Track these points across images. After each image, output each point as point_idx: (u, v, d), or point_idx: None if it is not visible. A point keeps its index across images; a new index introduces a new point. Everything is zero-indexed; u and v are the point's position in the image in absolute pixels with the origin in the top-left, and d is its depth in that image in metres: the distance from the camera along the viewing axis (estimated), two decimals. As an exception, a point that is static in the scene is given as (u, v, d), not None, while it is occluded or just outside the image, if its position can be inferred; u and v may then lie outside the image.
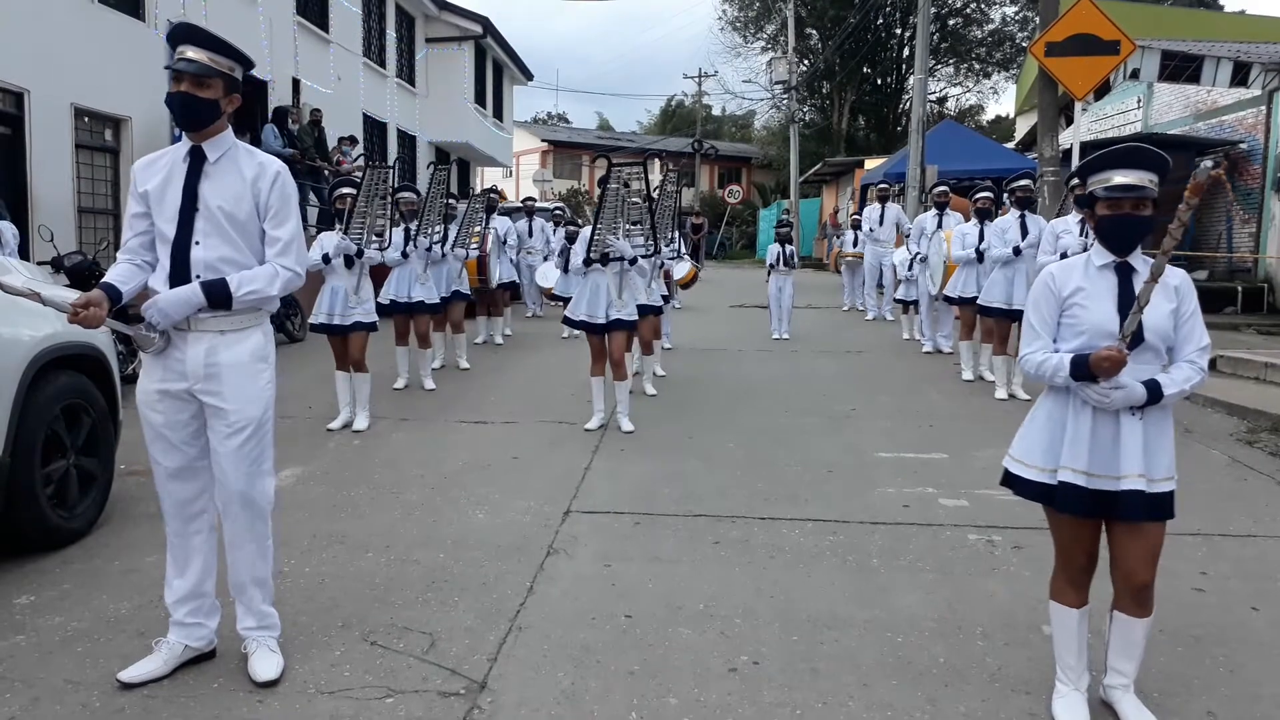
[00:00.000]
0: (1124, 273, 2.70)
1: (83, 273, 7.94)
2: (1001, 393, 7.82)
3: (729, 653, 3.24)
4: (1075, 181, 6.58)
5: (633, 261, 6.58)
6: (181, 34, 2.95)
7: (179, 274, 2.91)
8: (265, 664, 3.00)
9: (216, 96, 2.93)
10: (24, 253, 8.33)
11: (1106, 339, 2.63)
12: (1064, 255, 6.16)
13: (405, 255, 7.81)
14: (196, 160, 2.95)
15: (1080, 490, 2.67)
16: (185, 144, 2.98)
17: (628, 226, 6.64)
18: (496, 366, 9.51)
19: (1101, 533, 2.79)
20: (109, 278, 2.95)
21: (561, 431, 6.58)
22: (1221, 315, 12.93)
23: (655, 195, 8.40)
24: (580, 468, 5.63)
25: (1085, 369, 2.62)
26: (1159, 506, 2.66)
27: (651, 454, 5.98)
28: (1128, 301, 2.64)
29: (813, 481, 5.39)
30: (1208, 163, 2.64)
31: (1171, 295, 2.69)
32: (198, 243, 2.92)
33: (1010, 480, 2.86)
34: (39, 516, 4.04)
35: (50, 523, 4.10)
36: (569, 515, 4.74)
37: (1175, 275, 2.72)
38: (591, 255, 6.45)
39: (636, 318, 6.80)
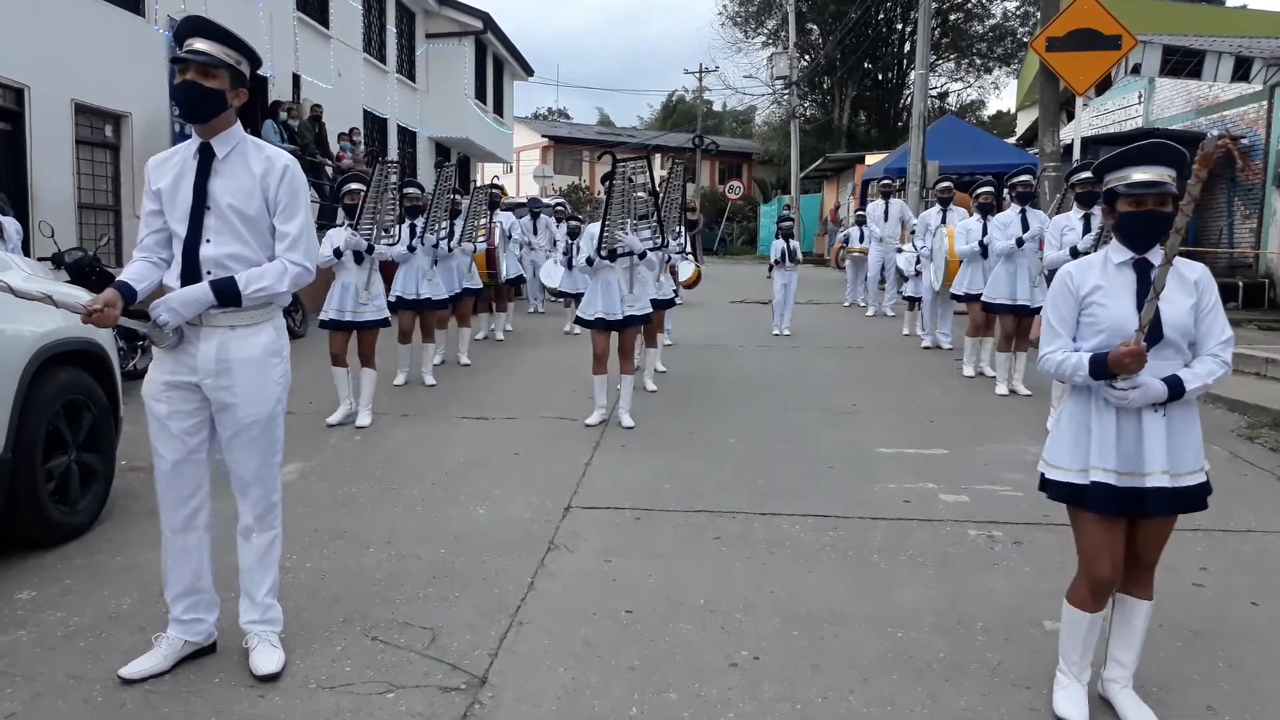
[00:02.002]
0: (1142, 270, 2.68)
1: (83, 269, 7.94)
2: (1002, 388, 7.82)
3: (729, 648, 3.25)
4: (1078, 177, 6.61)
5: (641, 256, 6.58)
6: (190, 27, 2.94)
7: (189, 271, 2.92)
8: (266, 658, 3.01)
9: (222, 88, 2.93)
10: (25, 249, 8.33)
11: (1125, 336, 2.61)
12: (1073, 251, 6.15)
13: (411, 249, 7.80)
14: (205, 157, 2.95)
15: (1111, 489, 2.64)
16: (195, 141, 2.98)
17: (634, 221, 6.64)
18: (497, 362, 9.52)
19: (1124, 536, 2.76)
20: (124, 276, 2.96)
21: (562, 427, 6.59)
22: (1222, 311, 12.91)
23: (661, 189, 8.40)
24: (581, 463, 5.64)
25: (1104, 367, 2.61)
26: (1186, 500, 2.65)
27: (652, 449, 5.99)
28: (1145, 303, 2.62)
29: (813, 477, 5.39)
30: (1214, 132, 2.64)
31: (1191, 290, 2.67)
32: (208, 240, 2.92)
33: (1045, 484, 2.83)
34: (40, 512, 4.04)
35: (51, 518, 4.11)
36: (570, 511, 4.74)
37: (1194, 270, 2.70)
38: (601, 253, 6.45)
39: (650, 311, 6.81)
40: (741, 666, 3.12)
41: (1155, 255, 2.70)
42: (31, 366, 3.98)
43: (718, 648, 3.25)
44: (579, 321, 6.85)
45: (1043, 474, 2.83)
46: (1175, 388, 2.59)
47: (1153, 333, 2.59)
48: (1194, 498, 2.67)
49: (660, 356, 8.73)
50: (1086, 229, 6.35)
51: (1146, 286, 2.64)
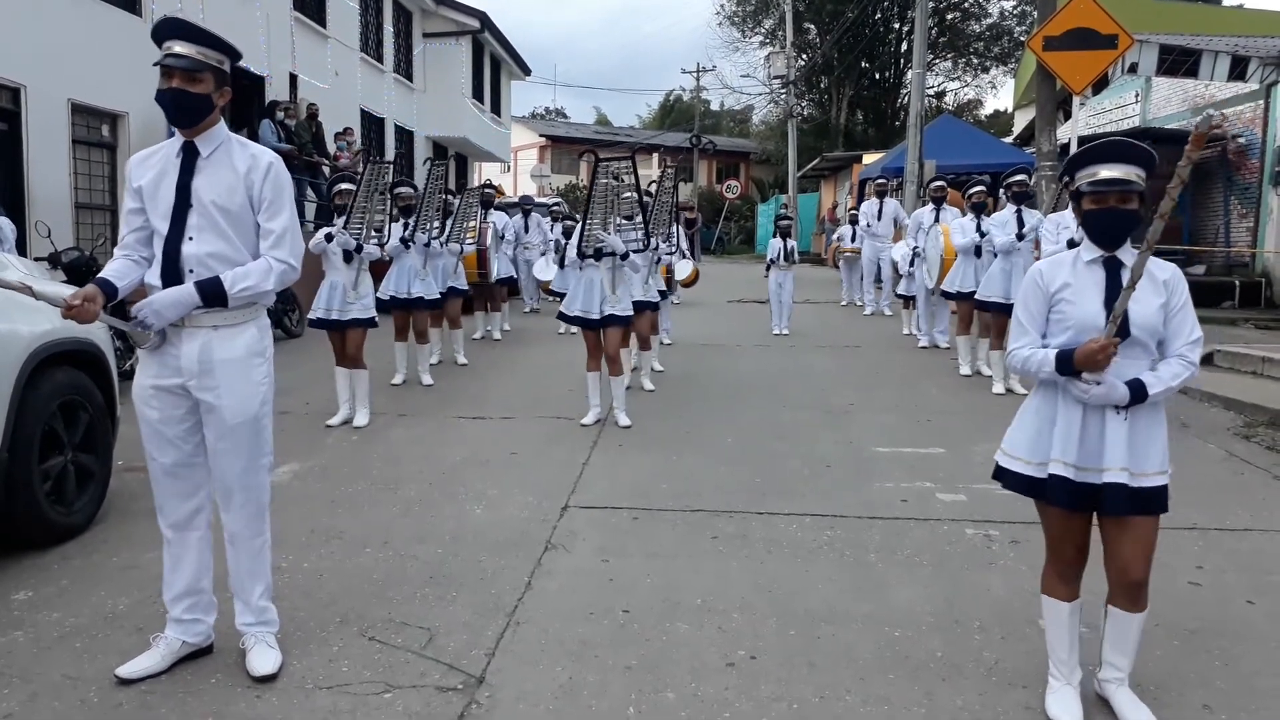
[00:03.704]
0: (1112, 267, 2.70)
1: (80, 269, 7.93)
2: (999, 387, 7.83)
3: (726, 647, 3.25)
4: (1066, 179, 6.62)
5: (624, 256, 6.57)
6: (168, 29, 2.92)
7: (170, 270, 2.90)
8: (263, 659, 3.00)
9: (208, 91, 2.92)
10: (21, 249, 8.32)
11: (1093, 334, 2.62)
12: (1070, 243, 6.16)
13: (405, 244, 7.79)
14: (189, 156, 2.93)
15: (1068, 483, 2.66)
16: (178, 139, 2.96)
17: (620, 221, 6.63)
18: (494, 362, 9.51)
19: (1093, 527, 2.79)
20: (105, 273, 2.93)
21: (559, 427, 6.58)
22: (1219, 310, 12.94)
23: (653, 190, 8.38)
24: (578, 463, 5.64)
25: (1070, 363, 2.62)
26: (1145, 501, 2.64)
27: (649, 449, 5.99)
28: (1115, 296, 2.62)
29: (810, 476, 5.39)
30: (1209, 111, 2.64)
31: (1160, 290, 2.67)
32: (190, 238, 2.90)
33: (1000, 473, 2.86)
34: (37, 512, 4.04)
35: (48, 519, 4.10)
36: (567, 510, 4.74)
37: (1165, 269, 2.71)
38: (584, 250, 6.45)
39: (631, 313, 6.78)
40: (739, 666, 3.12)
41: (1125, 253, 2.71)
42: (28, 367, 3.98)
43: (715, 647, 3.25)
44: (560, 316, 6.87)
45: (997, 462, 2.85)
46: (1138, 392, 2.60)
47: (1120, 331, 2.59)
48: (1154, 499, 2.66)
49: (658, 356, 8.73)
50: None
51: (1116, 284, 2.65)
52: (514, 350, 10.42)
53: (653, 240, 7.51)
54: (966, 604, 3.62)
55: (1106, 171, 2.65)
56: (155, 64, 2.90)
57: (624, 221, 6.68)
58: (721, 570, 3.96)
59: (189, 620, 3.07)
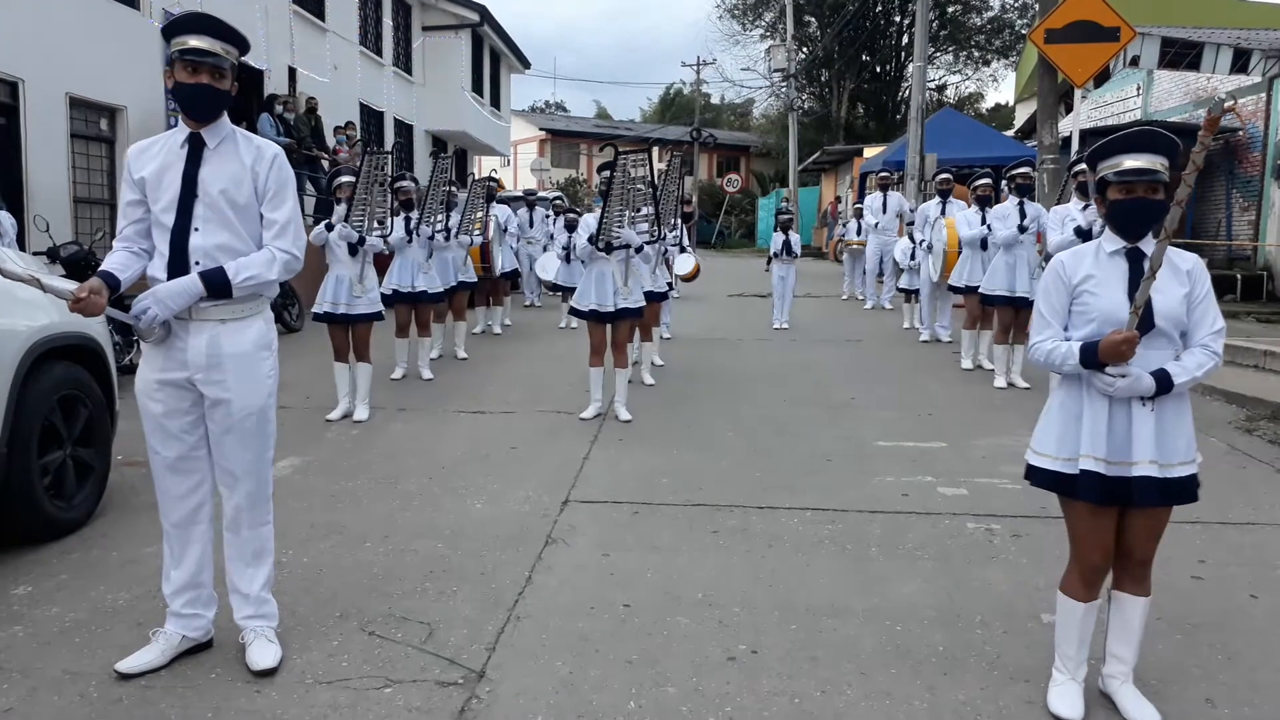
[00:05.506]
0: (1135, 259, 2.67)
1: (78, 263, 7.92)
2: (1000, 381, 7.82)
3: (727, 641, 3.24)
4: (1080, 168, 6.58)
5: (638, 250, 6.56)
6: (196, 23, 2.89)
7: (178, 262, 2.88)
8: (263, 653, 3.00)
9: (229, 86, 2.93)
10: (20, 243, 8.30)
11: (1116, 325, 2.60)
12: (1077, 230, 6.11)
13: (409, 238, 7.77)
14: (196, 147, 2.92)
15: (1100, 478, 2.63)
16: (181, 130, 2.95)
17: (632, 214, 6.62)
18: (494, 356, 9.50)
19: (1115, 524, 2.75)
20: (106, 266, 2.91)
21: (560, 421, 6.57)
22: (1221, 303, 12.79)
23: (660, 182, 8.36)
24: (579, 457, 5.63)
25: (1094, 356, 2.60)
26: (1175, 492, 2.64)
27: (650, 443, 5.98)
28: (1138, 287, 2.60)
29: (811, 470, 5.38)
30: (1221, 95, 2.62)
31: (1184, 279, 2.65)
32: (197, 229, 2.89)
33: (1030, 472, 2.82)
34: (36, 507, 4.03)
35: (47, 513, 4.09)
36: (567, 505, 4.74)
37: (1187, 260, 2.69)
38: (598, 245, 6.43)
39: (643, 304, 6.78)
40: (740, 660, 3.11)
41: (1147, 244, 2.68)
42: (26, 361, 3.97)
43: (716, 641, 3.24)
44: (573, 312, 6.86)
45: (1028, 462, 2.82)
46: (1163, 382, 2.58)
47: (1144, 322, 2.57)
48: (1184, 489, 2.65)
49: (658, 350, 8.72)
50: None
51: (1139, 275, 2.62)
52: (514, 344, 10.40)
53: (662, 230, 7.49)
54: (968, 598, 3.61)
55: (1132, 161, 2.62)
56: (180, 56, 2.84)
57: (636, 214, 6.66)
58: (722, 564, 3.95)
59: (189, 615, 3.06)
